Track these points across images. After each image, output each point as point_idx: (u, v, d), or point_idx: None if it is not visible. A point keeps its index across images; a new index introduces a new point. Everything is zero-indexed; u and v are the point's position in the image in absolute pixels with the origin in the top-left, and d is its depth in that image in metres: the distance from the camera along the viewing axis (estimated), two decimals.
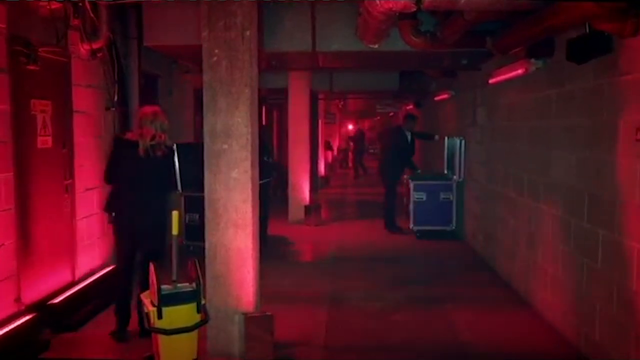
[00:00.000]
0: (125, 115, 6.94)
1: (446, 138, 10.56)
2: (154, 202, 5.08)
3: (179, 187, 7.95)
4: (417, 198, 9.79)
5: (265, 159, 9.11)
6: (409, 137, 10.41)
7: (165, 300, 4.05)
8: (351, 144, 25.51)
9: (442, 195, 9.78)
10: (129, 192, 5.06)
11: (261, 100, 5.97)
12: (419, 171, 10.77)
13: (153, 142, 4.96)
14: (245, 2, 4.41)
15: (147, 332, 4.50)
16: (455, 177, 9.88)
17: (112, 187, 5.23)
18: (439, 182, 9.97)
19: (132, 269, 5.20)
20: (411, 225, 9.78)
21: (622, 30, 3.91)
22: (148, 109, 5.21)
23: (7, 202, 4.78)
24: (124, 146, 5.07)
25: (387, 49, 6.53)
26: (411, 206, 9.82)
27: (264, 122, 13.93)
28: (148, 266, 4.57)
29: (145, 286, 4.65)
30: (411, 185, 9.86)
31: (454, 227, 9.69)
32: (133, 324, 5.08)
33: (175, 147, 5.49)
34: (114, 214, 5.19)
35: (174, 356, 4.12)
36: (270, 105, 15.91)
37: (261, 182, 8.08)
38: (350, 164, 25.33)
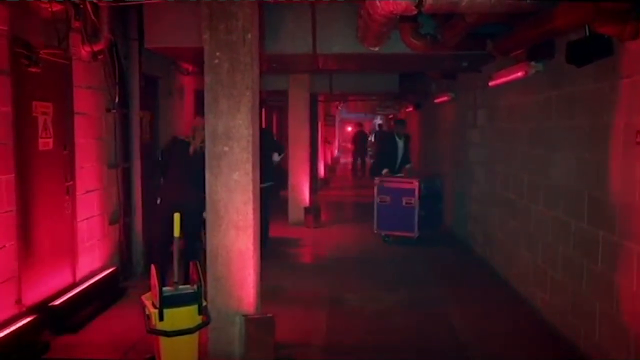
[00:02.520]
0: (126, 116, 6.95)
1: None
2: (197, 194, 5.36)
3: None
4: (381, 201, 9.41)
5: (277, 155, 9.23)
6: (401, 142, 10.20)
7: (167, 301, 4.05)
8: (350, 145, 25.51)
9: (404, 200, 9.23)
10: (178, 184, 6.11)
11: (261, 103, 6.01)
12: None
13: (202, 144, 5.33)
14: (247, 5, 4.42)
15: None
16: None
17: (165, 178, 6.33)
18: (403, 185, 9.35)
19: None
20: (375, 229, 9.49)
21: (622, 33, 3.92)
22: (200, 118, 5.61)
23: (9, 203, 4.78)
24: (179, 145, 6.28)
25: (388, 51, 6.54)
26: (375, 209, 9.53)
27: (264, 125, 13.93)
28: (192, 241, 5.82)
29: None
30: (375, 187, 9.53)
31: (417, 235, 9.15)
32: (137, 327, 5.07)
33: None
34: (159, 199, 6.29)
35: (175, 358, 4.13)
36: (270, 108, 15.93)
37: (264, 185, 8.17)
38: (350, 166, 25.31)
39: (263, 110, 13.73)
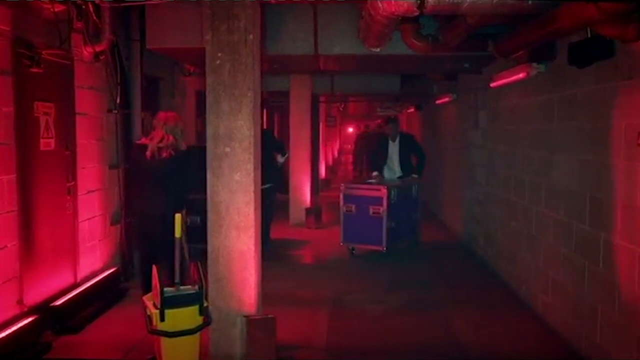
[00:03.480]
0: (128, 117, 6.96)
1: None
2: (163, 205, 5.17)
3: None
4: (347, 210, 8.46)
5: (281, 156, 9.18)
6: (394, 144, 9.29)
7: (168, 302, 4.05)
8: (349, 145, 25.56)
9: (371, 209, 8.25)
10: (142, 195, 5.45)
11: (263, 103, 5.96)
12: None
13: (160, 145, 5.20)
14: (248, 6, 4.42)
15: None
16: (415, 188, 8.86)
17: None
18: (369, 193, 8.37)
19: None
20: (341, 241, 8.64)
21: (624, 34, 3.92)
22: (162, 114, 5.52)
23: (10, 204, 4.79)
24: (138, 151, 5.45)
25: (389, 52, 6.54)
26: (341, 218, 8.62)
27: (265, 125, 13.91)
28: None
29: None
30: (341, 194, 8.65)
31: (385, 249, 8.23)
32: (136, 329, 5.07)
33: (180, 150, 5.42)
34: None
35: (176, 358, 4.13)
36: (272, 108, 15.93)
37: (266, 186, 8.18)
38: (350, 166, 25.34)
39: (264, 111, 13.72)
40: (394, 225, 8.28)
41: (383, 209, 8.15)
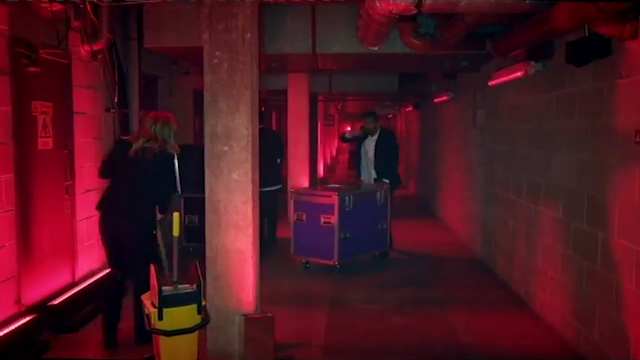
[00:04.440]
0: (126, 116, 6.95)
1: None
2: (138, 207, 4.92)
3: (178, 189, 7.96)
4: (297, 219, 7.54)
5: (278, 161, 9.07)
6: (371, 141, 8.47)
7: (166, 301, 4.05)
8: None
9: (322, 218, 7.33)
10: (116, 192, 5.02)
11: (262, 102, 5.89)
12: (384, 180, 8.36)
13: (146, 145, 4.89)
14: (247, 4, 4.42)
15: (143, 338, 4.57)
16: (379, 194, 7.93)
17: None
18: (320, 199, 7.45)
19: (122, 273, 5.07)
20: (292, 253, 7.73)
21: (622, 33, 3.92)
22: (153, 113, 5.27)
23: (8, 203, 4.79)
24: (122, 146, 5.09)
25: (387, 51, 6.55)
26: (291, 228, 7.74)
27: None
28: (137, 274, 4.85)
29: (137, 294, 4.67)
30: (290, 200, 7.88)
31: (338, 265, 7.30)
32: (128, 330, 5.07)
33: (168, 153, 5.02)
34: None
35: (175, 357, 4.12)
36: (270, 107, 15.93)
37: (272, 189, 8.18)
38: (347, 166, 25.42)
39: (262, 109, 13.70)
40: (349, 236, 7.34)
41: (335, 218, 7.24)
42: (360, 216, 7.58)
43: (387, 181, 8.22)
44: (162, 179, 4.98)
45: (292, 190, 7.97)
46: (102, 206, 5.03)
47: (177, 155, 5.03)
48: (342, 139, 8.77)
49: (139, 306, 4.82)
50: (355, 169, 8.80)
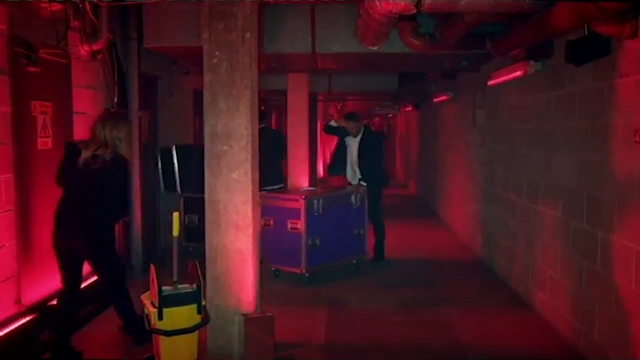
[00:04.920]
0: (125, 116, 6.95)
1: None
2: (90, 217, 4.65)
3: (178, 189, 7.98)
4: (265, 224, 7.06)
5: (280, 160, 9.01)
6: (354, 143, 8.12)
7: (166, 301, 4.05)
8: None
9: (289, 224, 6.92)
10: (67, 202, 4.72)
11: (261, 102, 5.86)
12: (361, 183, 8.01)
13: (97, 152, 4.59)
14: (246, 4, 4.42)
15: (140, 339, 4.60)
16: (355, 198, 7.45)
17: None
18: (286, 203, 7.04)
19: (71, 293, 4.78)
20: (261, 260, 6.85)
21: (621, 32, 3.92)
22: (103, 114, 4.91)
23: (8, 203, 4.78)
24: (71, 151, 4.74)
25: (387, 50, 6.55)
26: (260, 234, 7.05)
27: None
28: (103, 285, 4.86)
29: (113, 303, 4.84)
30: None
31: (306, 273, 6.91)
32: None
33: (120, 159, 4.75)
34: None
35: (175, 357, 4.13)
36: (269, 107, 15.92)
37: (277, 187, 8.16)
38: None
39: (262, 109, 13.70)
40: (318, 242, 6.95)
41: (302, 223, 6.81)
42: (332, 221, 7.15)
43: (364, 184, 7.86)
44: (113, 186, 4.69)
45: (260, 193, 7.38)
46: (55, 216, 4.72)
47: (128, 161, 4.80)
48: (327, 129, 8.37)
49: (120, 314, 4.96)
50: (334, 172, 8.41)
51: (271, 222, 7.10)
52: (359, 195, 7.60)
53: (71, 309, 4.81)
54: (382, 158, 8.48)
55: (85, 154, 4.61)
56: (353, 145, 8.11)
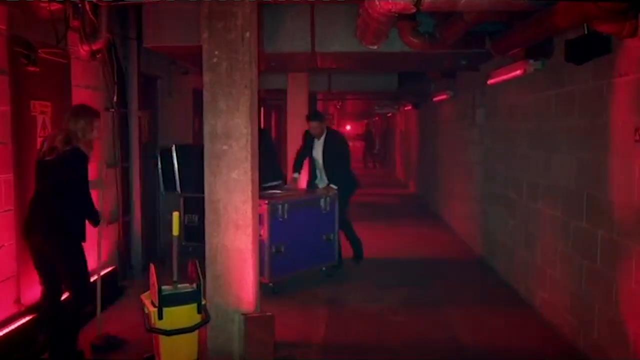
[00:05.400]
0: (125, 116, 6.95)
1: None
2: (49, 216, 4.37)
3: (178, 189, 7.98)
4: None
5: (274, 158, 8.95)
6: (319, 144, 7.52)
7: (166, 300, 4.05)
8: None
9: None
10: (32, 199, 4.48)
11: (260, 102, 5.76)
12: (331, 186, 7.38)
13: (54, 144, 4.33)
14: (246, 4, 4.42)
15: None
16: (323, 202, 6.99)
17: None
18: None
19: (51, 294, 4.56)
20: None
21: (621, 31, 3.93)
22: (73, 105, 4.61)
23: (7, 203, 4.78)
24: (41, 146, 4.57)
25: (386, 50, 6.55)
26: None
27: (262, 125, 13.93)
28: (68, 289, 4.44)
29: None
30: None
31: (271, 283, 6.44)
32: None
33: (76, 152, 4.40)
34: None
35: (175, 356, 4.13)
36: (269, 106, 15.94)
37: (274, 184, 8.13)
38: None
39: (262, 109, 13.73)
40: (283, 250, 6.48)
41: (264, 230, 6.23)
42: (299, 227, 6.63)
43: (334, 187, 7.34)
44: (67, 180, 4.38)
45: None
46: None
47: (87, 155, 4.43)
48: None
49: (55, 339, 4.48)
50: (295, 170, 7.79)
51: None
52: (328, 198, 7.14)
53: (55, 311, 4.55)
54: (347, 162, 7.69)
55: (44, 146, 4.43)
56: (317, 150, 7.56)
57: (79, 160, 4.39)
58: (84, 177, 4.42)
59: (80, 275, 4.46)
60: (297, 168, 7.79)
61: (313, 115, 7.79)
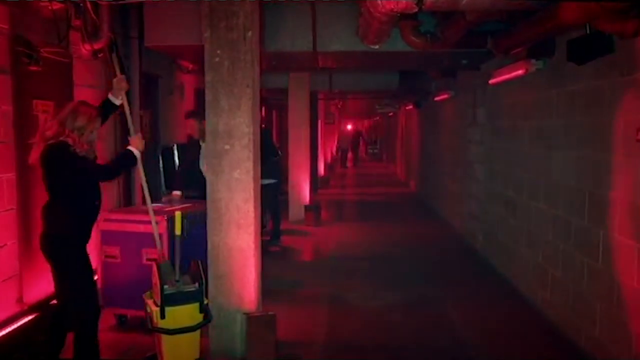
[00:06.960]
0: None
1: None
2: (44, 215, 4.08)
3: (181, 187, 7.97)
4: (107, 255, 5.21)
5: (273, 158, 8.97)
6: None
7: (168, 300, 4.06)
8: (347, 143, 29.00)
9: (145, 254, 5.07)
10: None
11: (262, 101, 5.65)
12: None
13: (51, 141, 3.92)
14: (247, 3, 4.42)
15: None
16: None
17: None
18: (142, 227, 5.02)
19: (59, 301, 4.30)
20: (100, 303, 4.77)
21: (623, 30, 3.92)
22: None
23: (9, 202, 4.79)
24: None
25: (388, 49, 6.55)
26: (99, 269, 5.21)
27: (263, 124, 13.92)
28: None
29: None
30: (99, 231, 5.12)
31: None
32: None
33: (62, 146, 3.95)
34: None
35: (177, 355, 4.14)
36: (271, 106, 15.93)
37: (269, 182, 8.12)
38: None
39: (263, 108, 13.73)
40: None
41: (164, 251, 4.68)
42: (203, 243, 4.68)
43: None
44: (54, 176, 4.00)
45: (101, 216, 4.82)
46: None
47: (74, 154, 3.94)
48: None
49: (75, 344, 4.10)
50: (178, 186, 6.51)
51: (117, 254, 5.16)
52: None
53: (58, 323, 4.27)
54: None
55: (36, 142, 4.00)
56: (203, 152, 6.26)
57: (62, 154, 3.90)
58: (76, 170, 3.97)
59: (79, 293, 4.03)
60: (185, 185, 6.50)
61: (192, 113, 6.89)
